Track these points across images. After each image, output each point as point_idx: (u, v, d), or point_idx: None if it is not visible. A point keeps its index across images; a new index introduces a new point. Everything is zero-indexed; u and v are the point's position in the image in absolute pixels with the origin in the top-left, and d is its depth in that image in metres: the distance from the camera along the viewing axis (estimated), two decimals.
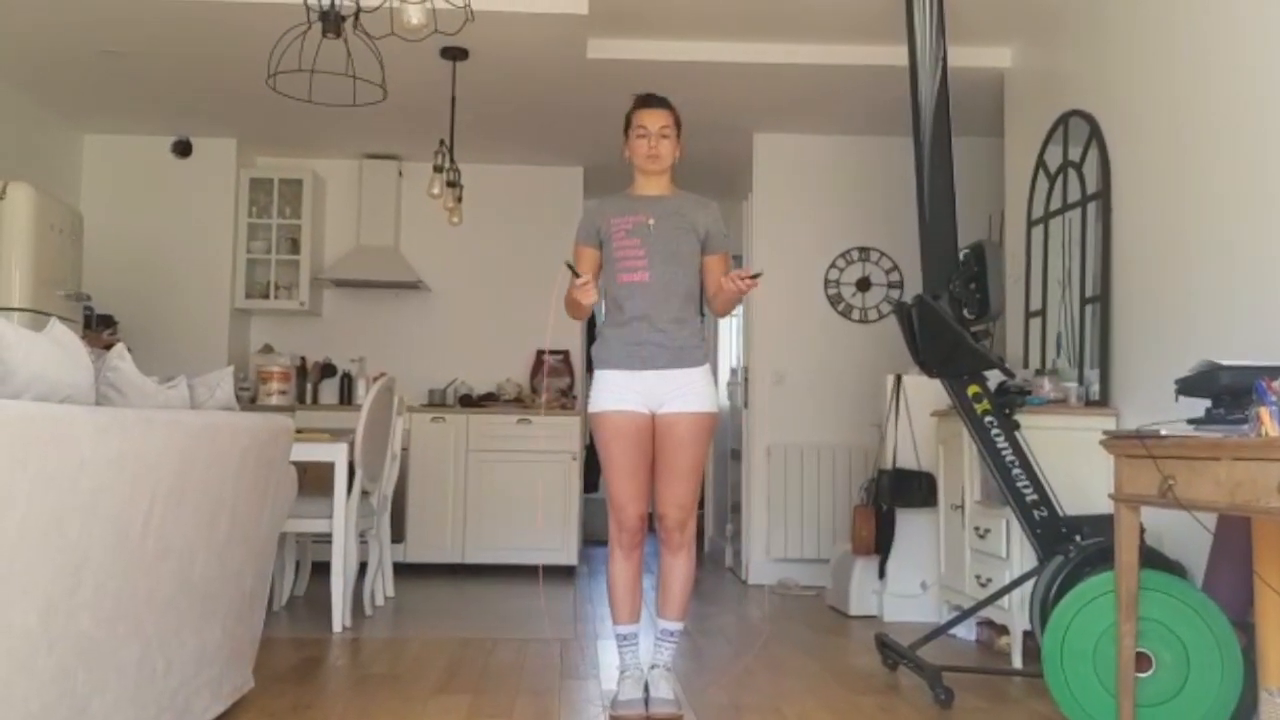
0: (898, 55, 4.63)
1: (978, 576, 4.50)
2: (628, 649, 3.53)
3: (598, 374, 3.55)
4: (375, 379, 5.16)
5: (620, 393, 3.47)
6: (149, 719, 2.61)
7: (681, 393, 3.47)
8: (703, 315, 3.83)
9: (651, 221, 3.51)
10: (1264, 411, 2.58)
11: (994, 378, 4.05)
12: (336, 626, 4.73)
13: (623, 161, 3.67)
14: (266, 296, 7.13)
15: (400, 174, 7.39)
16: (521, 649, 4.44)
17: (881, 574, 5.32)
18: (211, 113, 6.52)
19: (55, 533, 2.08)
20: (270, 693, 3.59)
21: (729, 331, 8.07)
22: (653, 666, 3.51)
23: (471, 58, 5.42)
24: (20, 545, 1.96)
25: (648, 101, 3.59)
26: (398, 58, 4.79)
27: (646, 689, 3.45)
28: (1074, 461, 4.09)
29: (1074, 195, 4.75)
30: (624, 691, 3.45)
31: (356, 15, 3.86)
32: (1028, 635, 4.12)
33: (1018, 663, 4.18)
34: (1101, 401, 4.41)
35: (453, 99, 5.66)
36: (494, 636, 4.69)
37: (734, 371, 7.66)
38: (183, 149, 7.01)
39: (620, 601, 3.52)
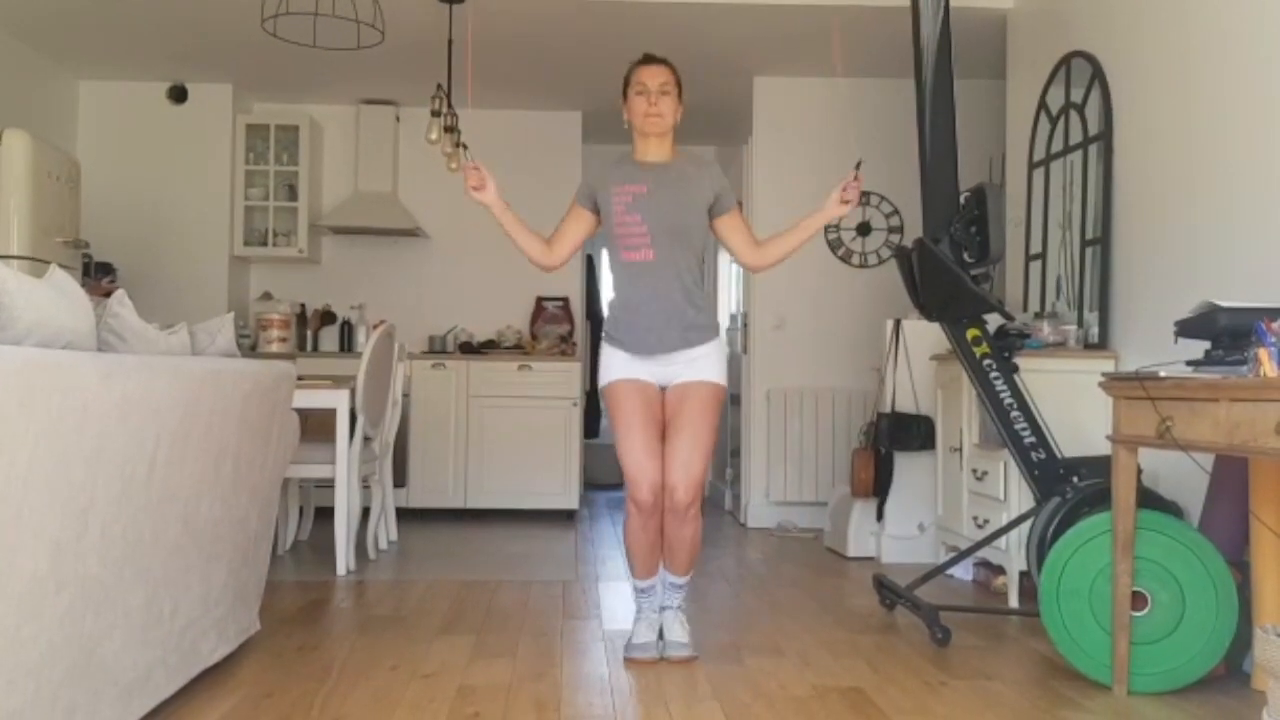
0: None
1: (975, 518, 4.54)
2: (644, 598, 3.53)
3: (606, 348, 3.49)
4: (375, 326, 5.16)
5: (630, 366, 3.44)
6: (156, 660, 2.65)
7: (692, 365, 3.43)
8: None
9: (646, 190, 3.41)
10: (1263, 352, 2.59)
11: (993, 321, 4.05)
12: (340, 570, 4.78)
13: (620, 108, 3.55)
14: (265, 244, 7.11)
15: (398, 119, 7.34)
16: (524, 591, 4.48)
17: (879, 516, 5.37)
18: (207, 58, 6.46)
19: (61, 477, 2.10)
20: (276, 634, 3.64)
21: (729, 277, 8.06)
22: (664, 608, 3.51)
23: (469, 0, 5.36)
24: (27, 490, 1.98)
25: (647, 59, 3.52)
26: (395, 1, 4.75)
27: (660, 634, 3.46)
28: (1073, 404, 4.11)
29: (1075, 137, 4.72)
30: (639, 634, 3.46)
31: None
32: (1024, 575, 4.16)
33: (1014, 602, 4.23)
34: (1101, 344, 4.42)
35: (449, 43, 5.60)
36: (497, 579, 4.74)
37: (734, 317, 7.66)
38: (178, 95, 6.95)
39: (640, 561, 3.48)
